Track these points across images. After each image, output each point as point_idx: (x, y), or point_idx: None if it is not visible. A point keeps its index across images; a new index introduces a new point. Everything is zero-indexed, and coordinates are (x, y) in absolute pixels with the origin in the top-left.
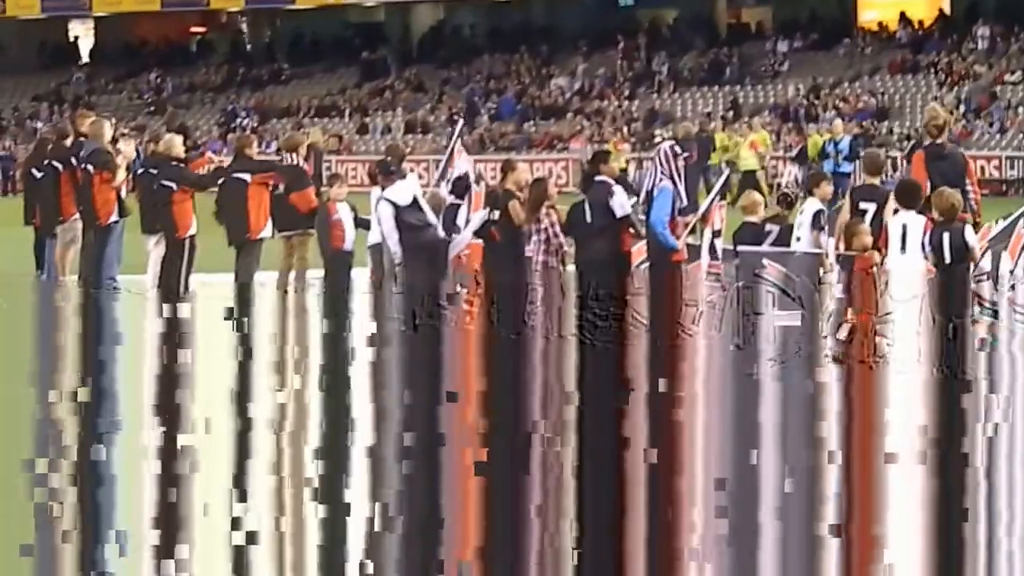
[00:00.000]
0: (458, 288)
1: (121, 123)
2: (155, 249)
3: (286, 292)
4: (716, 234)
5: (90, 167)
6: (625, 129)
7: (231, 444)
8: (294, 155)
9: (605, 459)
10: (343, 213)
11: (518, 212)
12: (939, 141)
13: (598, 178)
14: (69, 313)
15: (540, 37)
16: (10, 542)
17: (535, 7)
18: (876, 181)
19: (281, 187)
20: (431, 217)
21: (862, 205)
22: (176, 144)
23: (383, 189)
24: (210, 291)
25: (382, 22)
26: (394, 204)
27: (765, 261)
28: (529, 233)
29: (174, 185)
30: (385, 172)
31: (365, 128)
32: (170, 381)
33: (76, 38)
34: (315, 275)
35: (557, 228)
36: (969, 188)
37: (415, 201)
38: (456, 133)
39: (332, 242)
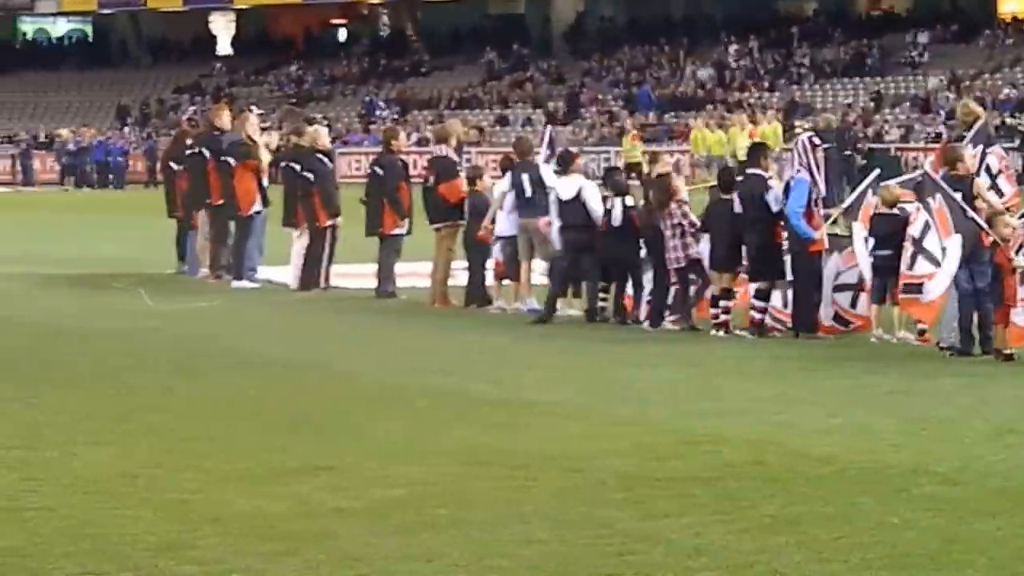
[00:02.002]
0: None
1: (263, 116)
2: (299, 240)
3: (433, 282)
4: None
5: (231, 159)
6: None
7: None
8: (444, 146)
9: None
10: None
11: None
12: (967, 134)
13: (753, 171)
14: (211, 304)
15: (680, 28)
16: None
17: None
18: (961, 172)
19: (431, 179)
20: (593, 212)
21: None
22: (322, 135)
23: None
24: (351, 281)
25: (522, 14)
26: (558, 197)
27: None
28: (660, 227)
29: (313, 177)
30: (562, 164)
31: (505, 120)
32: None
33: (217, 31)
34: (460, 266)
35: (691, 218)
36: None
37: (578, 195)
38: (546, 135)
39: (481, 232)
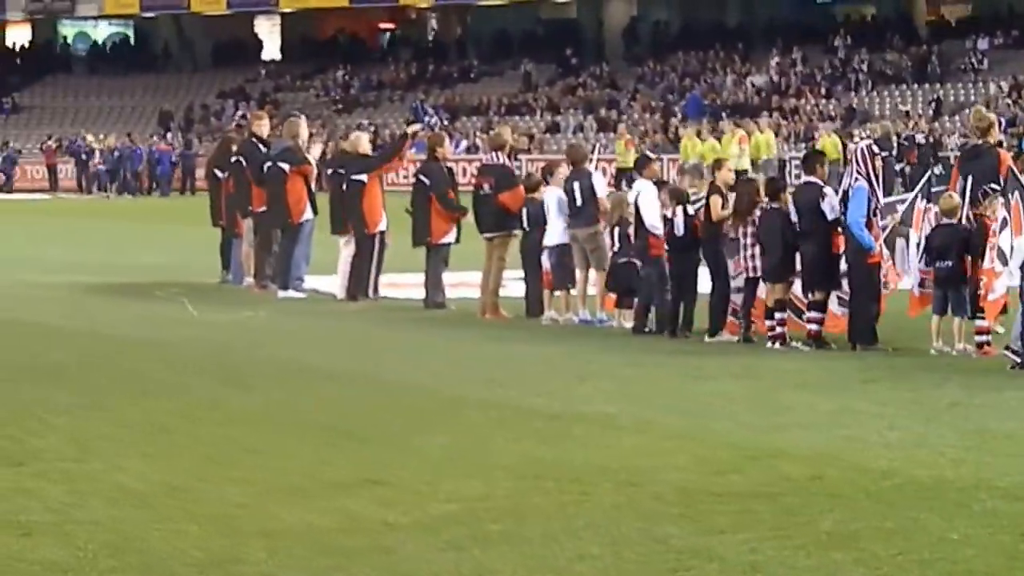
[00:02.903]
0: None
1: (311, 122)
2: (345, 248)
3: (484, 292)
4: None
5: (283, 165)
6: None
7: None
8: (499, 153)
9: None
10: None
11: (717, 207)
12: (980, 142)
13: (808, 179)
14: (257, 314)
15: (735, 33)
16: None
17: (730, 3)
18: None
19: (487, 187)
20: (644, 219)
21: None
22: (363, 141)
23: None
24: (399, 291)
25: (575, 19)
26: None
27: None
28: (735, 235)
29: (365, 177)
30: (638, 168)
31: (557, 126)
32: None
33: (263, 35)
34: (512, 275)
35: None
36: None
37: (636, 200)
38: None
39: (541, 239)
